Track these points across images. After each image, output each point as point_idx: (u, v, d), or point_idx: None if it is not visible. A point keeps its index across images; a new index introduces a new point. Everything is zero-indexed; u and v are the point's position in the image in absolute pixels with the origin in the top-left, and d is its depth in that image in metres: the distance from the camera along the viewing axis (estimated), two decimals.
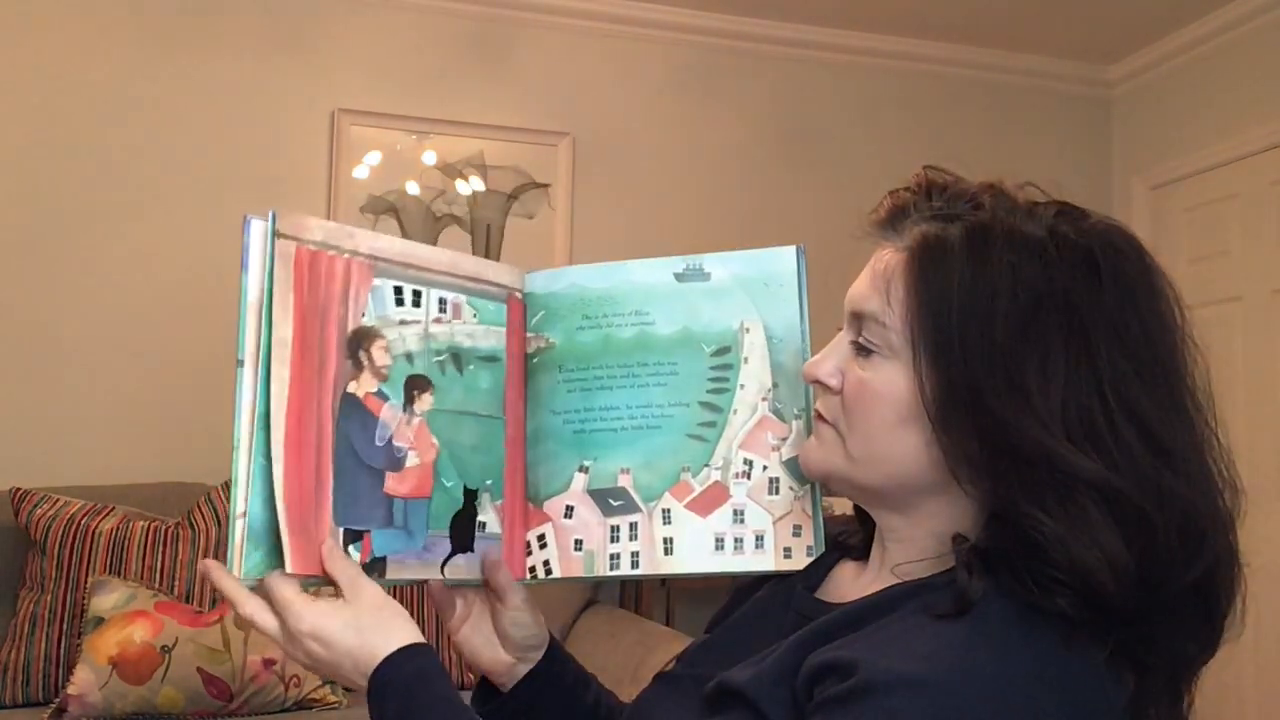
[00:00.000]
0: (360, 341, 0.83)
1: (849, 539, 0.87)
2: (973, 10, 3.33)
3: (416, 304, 0.87)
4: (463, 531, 0.87)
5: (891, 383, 0.74)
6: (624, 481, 0.90)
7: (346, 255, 0.83)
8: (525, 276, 0.93)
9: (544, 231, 3.25)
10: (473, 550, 0.87)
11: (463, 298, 0.89)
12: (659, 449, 0.89)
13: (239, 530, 0.75)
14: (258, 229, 0.80)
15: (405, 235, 3.13)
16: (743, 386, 0.90)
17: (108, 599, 2.27)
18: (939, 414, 0.71)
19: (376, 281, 0.84)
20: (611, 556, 0.89)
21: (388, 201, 3.13)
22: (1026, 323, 0.70)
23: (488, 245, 3.20)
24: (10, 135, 2.87)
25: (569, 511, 0.90)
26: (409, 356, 0.85)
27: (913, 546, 0.76)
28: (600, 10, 3.31)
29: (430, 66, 3.20)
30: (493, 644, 0.90)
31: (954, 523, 0.74)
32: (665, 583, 2.86)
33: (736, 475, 0.89)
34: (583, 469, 0.90)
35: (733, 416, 0.89)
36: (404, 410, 0.84)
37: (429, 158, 3.18)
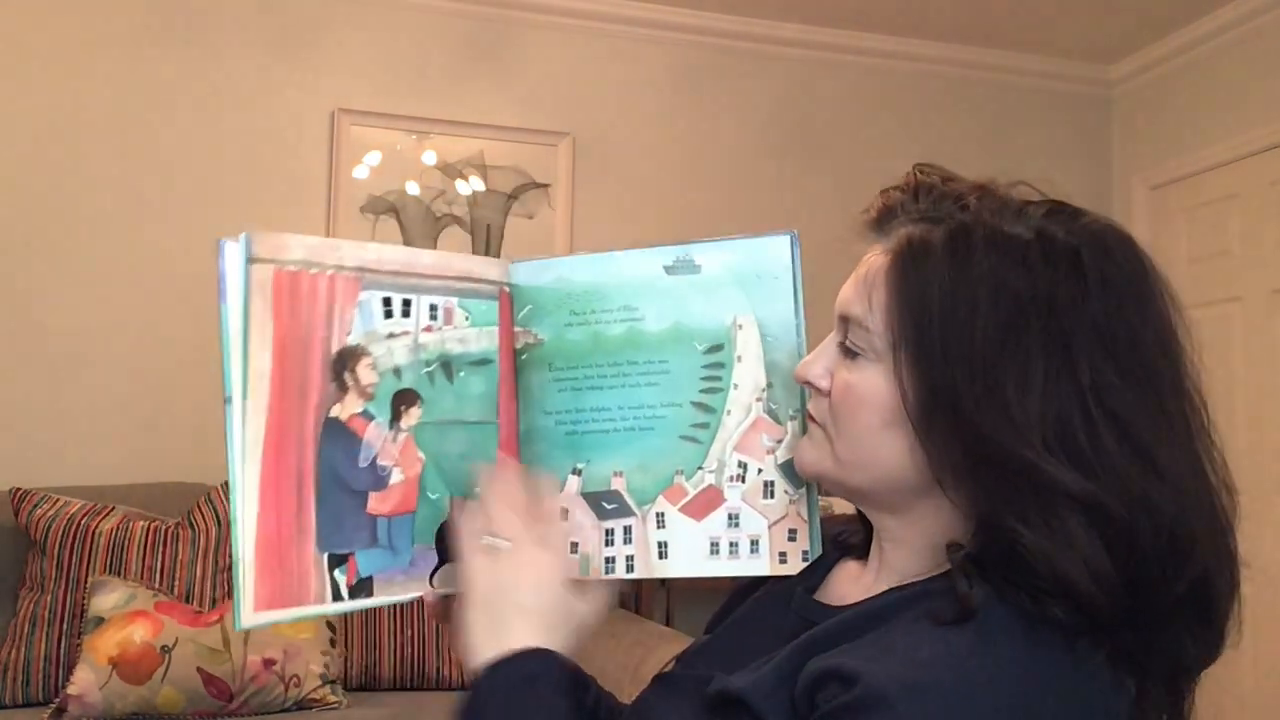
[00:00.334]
0: (345, 362, 0.81)
1: (850, 538, 0.86)
2: (973, 10, 3.33)
3: (406, 314, 0.84)
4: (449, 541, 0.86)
5: (875, 387, 0.74)
6: (617, 484, 0.88)
7: (331, 271, 0.81)
8: (510, 267, 0.90)
9: (544, 231, 3.25)
10: None
11: (454, 300, 0.87)
12: (652, 451, 0.87)
13: (240, 574, 0.75)
14: (233, 252, 0.76)
15: (405, 235, 3.13)
16: (736, 386, 0.87)
17: (108, 599, 2.27)
18: (921, 420, 0.71)
19: (363, 295, 0.82)
20: (607, 560, 0.88)
21: (388, 201, 3.13)
22: (1006, 330, 0.69)
23: (488, 245, 3.20)
24: (11, 135, 2.87)
25: (563, 514, 0.88)
26: (397, 371, 0.84)
27: (909, 548, 0.76)
28: (600, 10, 3.31)
29: (430, 66, 3.20)
30: None
31: (947, 526, 0.73)
32: (665, 583, 2.86)
33: (731, 478, 0.87)
34: (576, 471, 0.88)
35: (726, 417, 0.87)
36: (390, 428, 0.83)
37: (429, 158, 3.18)
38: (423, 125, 3.17)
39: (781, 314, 0.87)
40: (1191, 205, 3.46)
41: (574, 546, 0.88)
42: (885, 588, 0.75)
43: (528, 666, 0.73)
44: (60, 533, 2.39)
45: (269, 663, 2.24)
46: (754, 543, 0.86)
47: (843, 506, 0.92)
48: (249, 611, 0.75)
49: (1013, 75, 3.67)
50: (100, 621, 2.24)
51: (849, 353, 0.76)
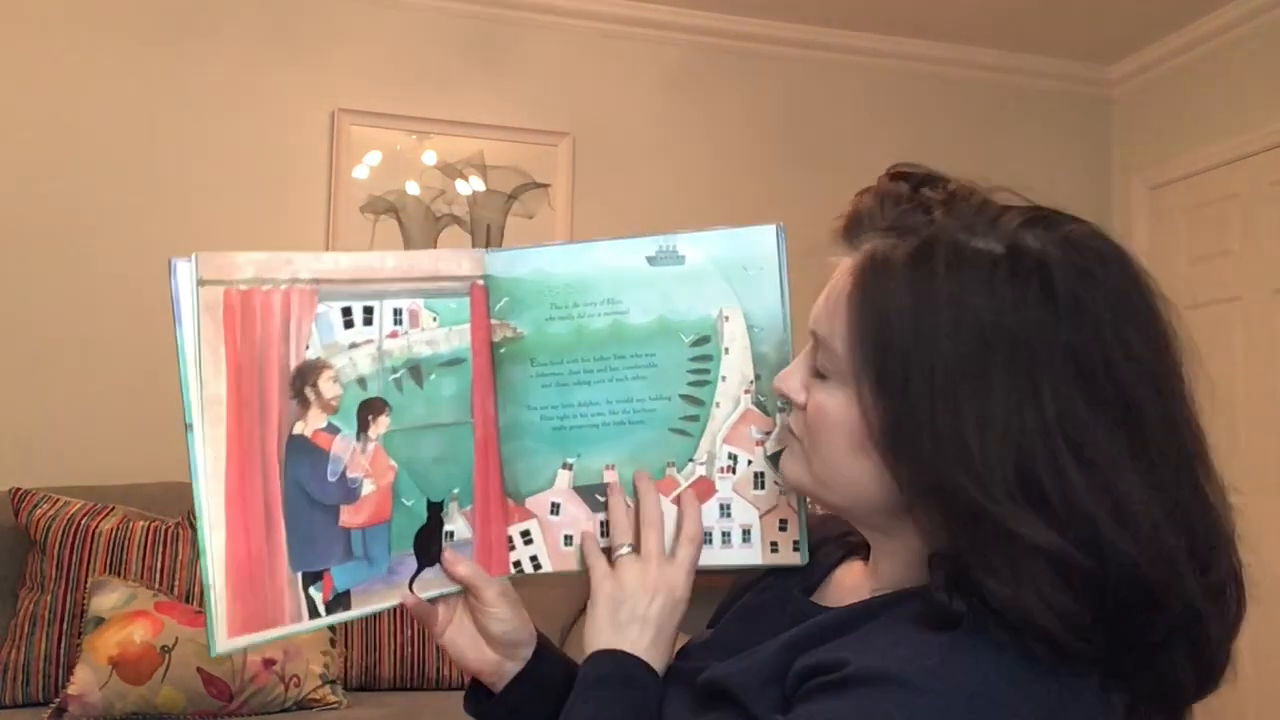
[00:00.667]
0: (305, 377, 0.80)
1: (854, 537, 0.86)
2: (973, 10, 3.33)
3: (368, 322, 0.83)
4: (427, 545, 0.86)
5: (843, 410, 0.71)
6: (610, 477, 0.88)
7: (284, 286, 0.79)
8: (485, 258, 0.89)
9: (544, 231, 3.24)
10: (440, 562, 0.86)
11: (420, 303, 0.85)
12: (643, 444, 0.88)
13: (212, 601, 0.76)
14: (185, 274, 0.76)
15: (405, 235, 3.13)
16: (724, 379, 0.87)
17: (108, 599, 2.27)
18: (885, 451, 0.69)
19: (321, 307, 0.81)
20: (603, 551, 0.88)
21: (388, 201, 3.13)
22: (967, 360, 0.65)
23: (488, 246, 3.20)
24: (11, 136, 2.87)
25: (555, 508, 0.89)
26: (361, 381, 0.82)
27: (898, 559, 0.75)
28: (600, 10, 3.31)
29: (430, 66, 3.20)
30: (478, 643, 0.90)
31: (928, 542, 0.71)
32: None
33: (721, 470, 0.87)
34: (566, 466, 0.88)
35: (715, 410, 0.87)
36: (357, 439, 0.82)
37: (429, 158, 3.18)
38: (423, 125, 3.17)
39: (768, 306, 0.87)
40: (1191, 205, 3.46)
41: (568, 539, 0.89)
42: (877, 588, 0.76)
43: (630, 669, 0.80)
44: (60, 533, 2.39)
45: (269, 663, 2.24)
46: (746, 532, 0.87)
47: None
48: (223, 638, 0.77)
49: (1013, 75, 3.66)
50: (100, 621, 2.24)
51: (819, 372, 0.75)
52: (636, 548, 0.85)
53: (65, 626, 2.32)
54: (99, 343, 2.89)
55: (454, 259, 0.88)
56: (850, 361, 0.70)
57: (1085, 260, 0.67)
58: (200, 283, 0.77)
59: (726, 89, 3.46)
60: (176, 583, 2.40)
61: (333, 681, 2.30)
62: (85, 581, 2.34)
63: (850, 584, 0.82)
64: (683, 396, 0.88)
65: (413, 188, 3.16)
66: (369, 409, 0.83)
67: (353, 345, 0.82)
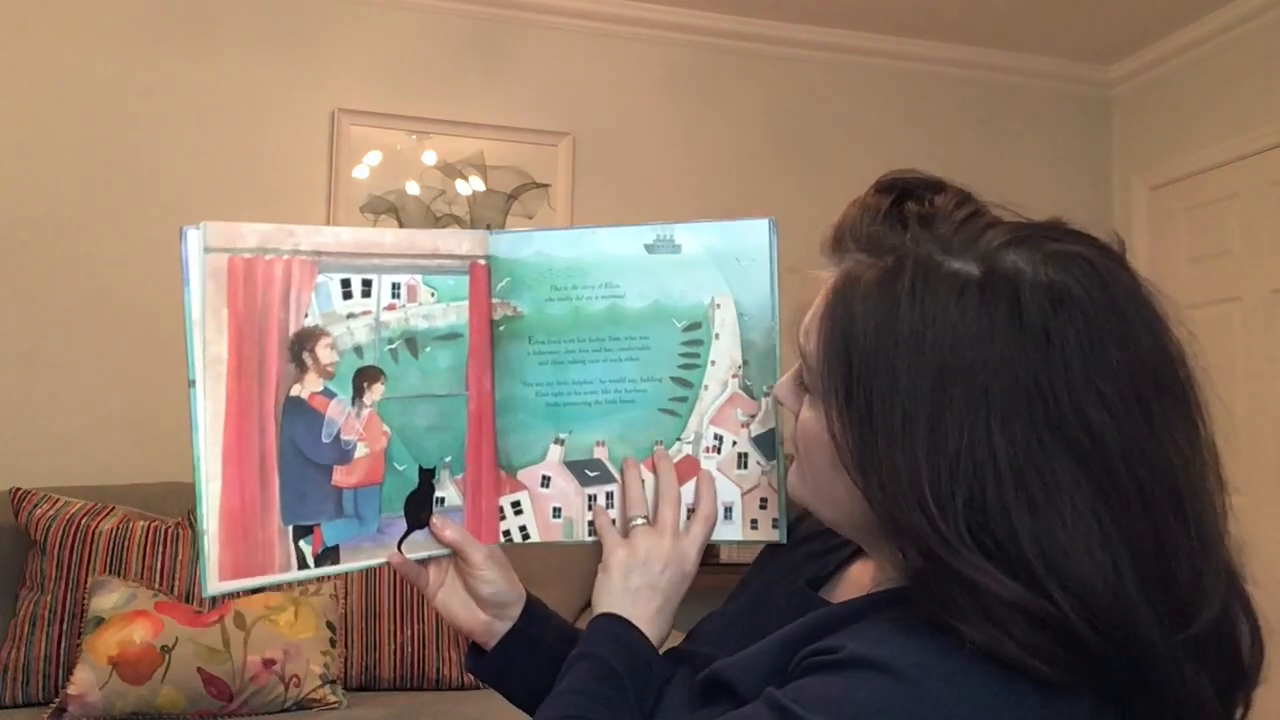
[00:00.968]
0: (303, 343, 0.84)
1: None
2: (973, 10, 3.33)
3: (366, 294, 0.87)
4: (418, 509, 0.90)
5: (820, 426, 0.71)
6: (599, 453, 0.92)
7: (286, 256, 0.84)
8: (489, 239, 0.92)
9: None
10: (429, 526, 0.90)
11: (418, 278, 0.89)
12: (633, 423, 0.92)
13: (205, 546, 0.80)
14: (194, 240, 0.80)
15: None
16: (713, 363, 0.91)
17: (108, 599, 2.27)
18: (852, 473, 0.67)
19: (320, 278, 0.85)
20: (590, 524, 0.93)
21: (388, 201, 3.13)
22: (923, 393, 0.63)
23: None
24: (10, 135, 2.87)
25: (546, 481, 0.93)
26: (358, 349, 0.87)
27: (889, 565, 0.74)
28: (600, 10, 3.31)
29: (430, 66, 3.20)
30: (468, 605, 0.93)
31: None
32: None
33: (707, 449, 0.91)
34: (559, 441, 0.92)
35: (704, 392, 0.91)
36: (352, 404, 0.86)
37: (429, 158, 3.18)
38: (423, 125, 3.17)
39: (758, 295, 0.91)
40: (1191, 205, 3.46)
41: (557, 511, 0.93)
42: (875, 587, 0.75)
43: (631, 634, 0.83)
44: (60, 533, 2.39)
45: (269, 663, 2.24)
46: (728, 510, 0.91)
47: None
48: (214, 580, 0.81)
49: (1013, 75, 3.66)
50: (100, 621, 2.24)
51: (804, 387, 0.75)
52: (650, 521, 0.89)
53: (65, 626, 2.32)
54: (99, 343, 2.89)
55: (455, 238, 0.92)
56: (821, 382, 0.70)
57: (1065, 285, 0.63)
58: (206, 249, 0.81)
59: (726, 89, 3.46)
60: (176, 583, 2.40)
61: (333, 681, 2.30)
62: (85, 581, 2.34)
63: (859, 581, 0.82)
64: (673, 378, 0.92)
65: (413, 188, 3.16)
66: (364, 376, 0.87)
67: (350, 315, 0.86)
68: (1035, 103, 3.69)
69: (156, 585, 2.37)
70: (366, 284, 0.87)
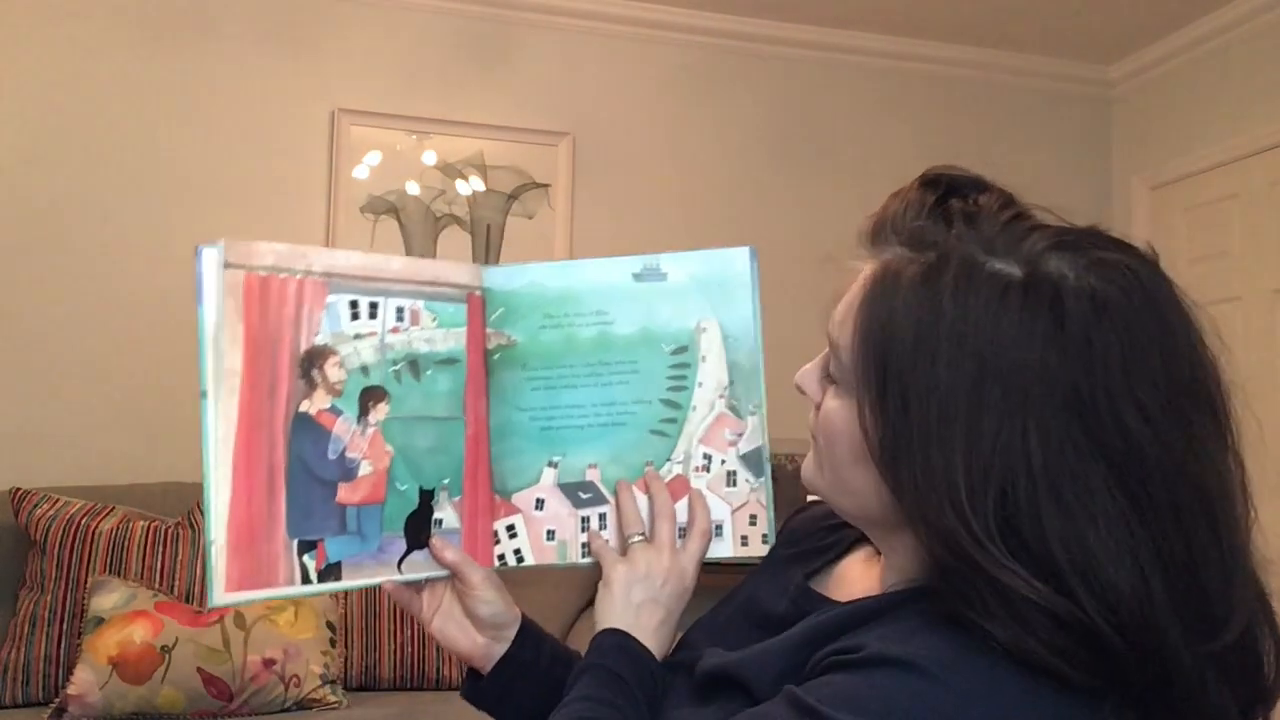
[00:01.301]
0: (313, 361, 0.87)
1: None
2: (972, 10, 3.33)
3: (373, 316, 0.90)
4: (417, 530, 0.91)
5: (847, 419, 0.71)
6: (592, 475, 0.94)
7: (300, 276, 0.86)
8: (483, 272, 0.96)
9: (544, 231, 3.25)
10: (429, 547, 0.92)
11: (421, 303, 0.92)
12: (624, 444, 0.94)
13: (212, 556, 0.81)
14: (210, 258, 0.82)
15: (405, 235, 3.13)
16: (701, 384, 0.94)
17: (108, 599, 2.27)
18: (883, 470, 0.67)
19: (330, 298, 0.88)
20: (583, 545, 0.94)
21: (388, 201, 3.13)
22: (964, 392, 0.63)
23: (488, 245, 3.20)
24: (10, 135, 2.87)
25: (539, 504, 0.94)
26: (364, 369, 0.89)
27: (906, 557, 0.74)
28: (600, 10, 3.31)
29: (430, 66, 3.20)
30: (465, 628, 0.93)
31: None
32: None
33: (696, 469, 0.94)
34: (552, 464, 0.94)
35: (692, 413, 0.94)
36: (358, 422, 0.88)
37: (429, 158, 3.18)
38: (423, 125, 3.17)
39: (741, 318, 0.94)
40: (1191, 205, 3.46)
41: (551, 534, 0.94)
42: (887, 586, 0.75)
43: (633, 644, 0.84)
44: (60, 533, 2.39)
45: (269, 663, 2.24)
46: (718, 527, 0.93)
47: None
48: (220, 591, 0.82)
49: (1013, 75, 3.66)
50: (100, 621, 2.24)
51: (830, 378, 0.74)
52: (647, 537, 0.90)
53: (65, 626, 2.32)
54: (99, 343, 2.89)
55: (454, 269, 0.95)
56: (854, 374, 0.70)
57: (1107, 293, 0.63)
58: (226, 265, 0.83)
59: (727, 89, 3.46)
60: (176, 583, 2.40)
61: (333, 681, 2.30)
62: (85, 581, 2.34)
63: (857, 576, 0.82)
64: (662, 400, 0.94)
65: (413, 188, 3.16)
66: (370, 395, 0.89)
67: (358, 336, 0.89)
68: (1035, 103, 3.69)
69: (156, 585, 2.37)
70: (373, 306, 0.90)
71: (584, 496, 0.94)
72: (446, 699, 2.38)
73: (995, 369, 0.62)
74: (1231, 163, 3.29)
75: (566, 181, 3.27)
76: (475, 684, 0.95)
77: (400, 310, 0.91)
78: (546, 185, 3.26)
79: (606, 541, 0.92)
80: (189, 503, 2.54)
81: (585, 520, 0.94)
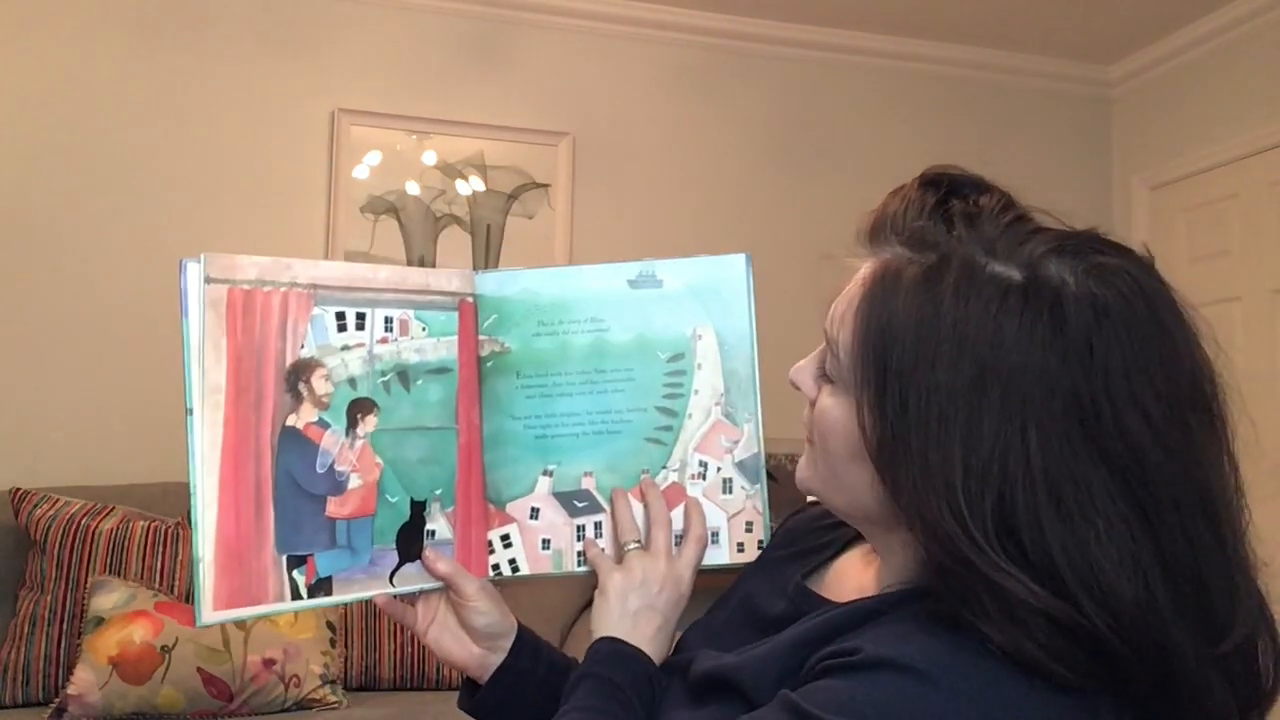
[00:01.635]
0: (299, 374, 0.86)
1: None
2: (973, 10, 3.33)
3: (360, 327, 0.88)
4: (409, 542, 0.90)
5: (843, 417, 0.71)
6: (587, 484, 0.94)
7: (284, 289, 0.85)
8: (475, 278, 0.94)
9: (544, 231, 3.25)
10: (421, 559, 0.90)
11: (410, 313, 0.91)
12: (620, 453, 0.93)
13: (200, 574, 0.81)
14: (194, 272, 0.82)
15: (405, 235, 3.13)
16: (697, 392, 0.93)
17: (108, 599, 2.27)
18: (880, 469, 0.67)
19: (316, 310, 0.86)
20: (579, 554, 0.93)
21: (388, 202, 3.13)
22: (962, 395, 0.62)
23: (488, 245, 3.20)
24: (9, 135, 2.87)
25: (534, 513, 0.93)
26: (352, 381, 0.88)
27: (901, 557, 0.74)
28: (600, 10, 3.31)
29: (430, 66, 3.20)
30: (461, 639, 0.93)
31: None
32: None
33: (692, 476, 0.93)
34: (547, 472, 0.93)
35: (688, 421, 0.93)
36: (346, 435, 0.87)
37: (429, 158, 3.18)
38: (423, 125, 3.17)
39: (737, 326, 0.94)
40: (1191, 205, 3.46)
41: (546, 543, 0.93)
42: (884, 585, 0.75)
43: (630, 651, 0.83)
44: (60, 533, 2.39)
45: (269, 663, 2.24)
46: (714, 534, 0.93)
47: None
48: (209, 610, 0.81)
49: (1013, 75, 3.66)
50: (100, 621, 2.24)
51: (826, 375, 0.74)
52: (643, 545, 0.90)
53: (65, 626, 2.32)
54: (99, 343, 2.89)
55: (444, 276, 0.93)
56: (852, 373, 0.69)
57: (1108, 298, 0.63)
58: (207, 280, 0.82)
59: (726, 89, 3.45)
60: (176, 583, 2.40)
61: (333, 681, 2.31)
62: (85, 581, 2.34)
63: (852, 575, 0.82)
64: (658, 408, 0.94)
65: (413, 188, 3.16)
66: (358, 408, 0.88)
67: (345, 348, 0.88)
68: (1035, 103, 3.69)
69: (156, 585, 2.37)
70: (360, 317, 0.89)
71: (579, 505, 0.93)
72: (446, 699, 2.37)
73: (995, 372, 0.62)
74: (1231, 163, 3.28)
75: (566, 181, 3.27)
76: (472, 695, 0.94)
77: (389, 320, 0.90)
78: (546, 185, 3.26)
79: (602, 550, 0.92)
80: (189, 503, 2.53)
81: (581, 529, 0.93)
